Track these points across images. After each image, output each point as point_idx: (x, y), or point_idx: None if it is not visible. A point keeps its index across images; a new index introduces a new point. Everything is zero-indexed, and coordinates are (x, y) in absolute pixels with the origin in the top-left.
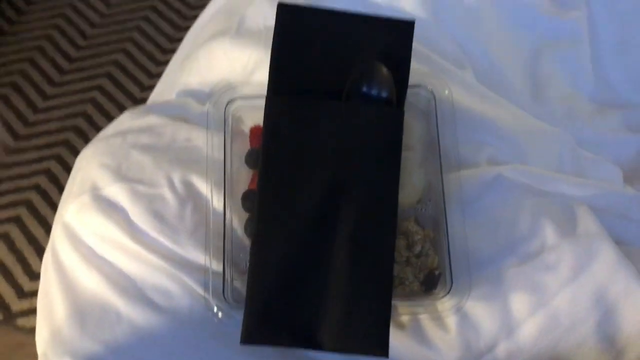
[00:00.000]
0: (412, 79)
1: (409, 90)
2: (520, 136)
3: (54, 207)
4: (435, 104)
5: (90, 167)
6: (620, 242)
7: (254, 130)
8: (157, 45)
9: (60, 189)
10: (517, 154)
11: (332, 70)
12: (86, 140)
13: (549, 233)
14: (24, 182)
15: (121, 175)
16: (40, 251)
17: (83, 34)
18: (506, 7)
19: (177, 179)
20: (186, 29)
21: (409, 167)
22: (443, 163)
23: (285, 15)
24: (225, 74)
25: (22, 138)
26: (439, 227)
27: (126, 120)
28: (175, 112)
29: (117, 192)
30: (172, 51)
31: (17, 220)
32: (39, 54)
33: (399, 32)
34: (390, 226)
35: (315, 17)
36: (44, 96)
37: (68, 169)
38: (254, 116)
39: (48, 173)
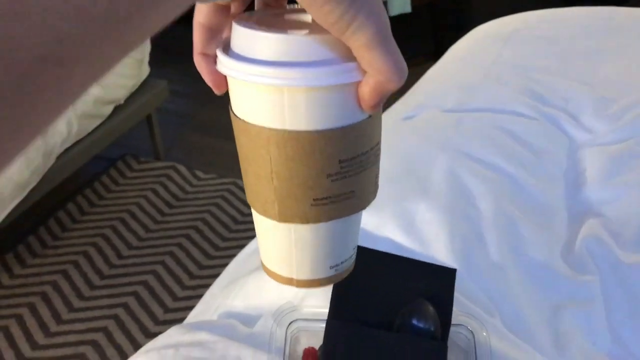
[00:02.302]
0: (454, 319)
1: (450, 328)
2: None
3: None
4: (475, 343)
5: None
6: None
7: (306, 352)
8: (186, 271)
9: None
10: None
11: (384, 303)
12: (102, 355)
13: None
14: None
15: None
16: None
17: (119, 254)
18: (526, 266)
19: None
20: (215, 257)
21: None
22: None
23: None
24: (273, 300)
25: (40, 348)
26: None
27: (175, 334)
28: (223, 331)
29: None
30: (200, 277)
31: None
32: (74, 268)
33: (444, 277)
34: None
35: (371, 255)
36: (70, 308)
37: None
38: (309, 338)
39: None
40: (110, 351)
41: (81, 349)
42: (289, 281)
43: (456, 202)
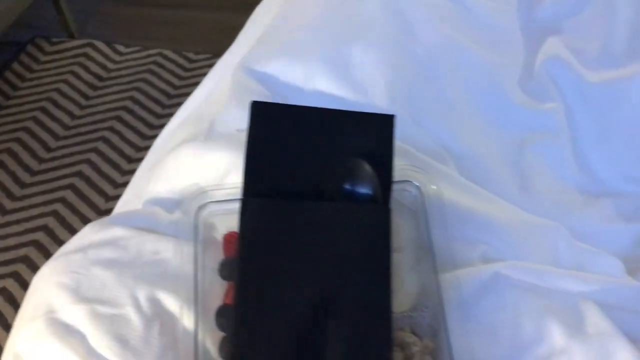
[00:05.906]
0: (397, 174)
1: (393, 187)
2: (513, 231)
3: (7, 328)
4: (423, 201)
5: (46, 287)
6: (632, 340)
7: (227, 238)
8: (123, 155)
9: (18, 310)
10: (511, 249)
11: (309, 168)
12: (47, 255)
13: (557, 335)
14: None
15: (80, 295)
16: None
17: (47, 147)
18: (480, 101)
19: (142, 296)
20: (152, 137)
21: (400, 270)
22: (437, 264)
23: (259, 113)
24: (195, 179)
25: None
26: (439, 336)
27: (88, 233)
28: (142, 223)
29: (75, 315)
30: (138, 160)
31: None
32: None
33: (379, 127)
34: (386, 340)
35: (290, 114)
36: (3, 211)
37: (26, 287)
38: (228, 222)
39: (4, 292)
40: (53, 248)
41: (23, 251)
42: None
43: (395, 37)
